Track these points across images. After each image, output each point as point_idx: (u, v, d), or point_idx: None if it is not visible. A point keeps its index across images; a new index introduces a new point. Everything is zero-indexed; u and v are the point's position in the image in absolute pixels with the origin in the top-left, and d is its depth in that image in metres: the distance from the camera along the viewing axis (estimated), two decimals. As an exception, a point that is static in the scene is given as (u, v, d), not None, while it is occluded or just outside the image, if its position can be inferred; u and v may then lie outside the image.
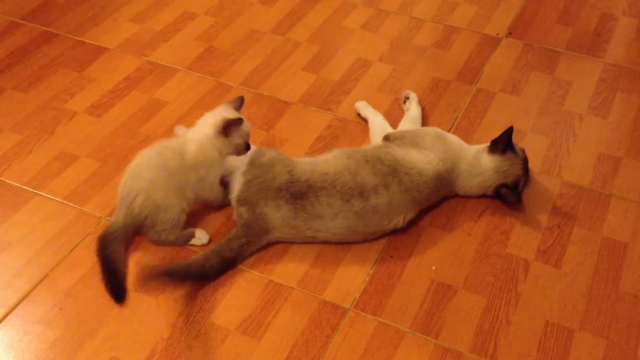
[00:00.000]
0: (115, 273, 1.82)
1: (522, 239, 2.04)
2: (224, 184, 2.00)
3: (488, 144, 2.10)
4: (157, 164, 1.91)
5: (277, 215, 1.93)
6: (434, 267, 1.96)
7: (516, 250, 2.01)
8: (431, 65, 2.68)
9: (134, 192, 1.88)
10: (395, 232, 2.02)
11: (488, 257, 1.99)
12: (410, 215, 2.01)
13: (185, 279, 1.88)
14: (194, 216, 2.02)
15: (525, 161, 2.11)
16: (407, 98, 2.44)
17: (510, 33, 2.86)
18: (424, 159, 2.02)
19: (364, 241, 2.00)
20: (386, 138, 2.16)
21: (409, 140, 2.10)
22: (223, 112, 1.99)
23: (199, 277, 1.89)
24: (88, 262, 1.92)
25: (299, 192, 1.93)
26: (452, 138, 2.15)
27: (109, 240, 1.87)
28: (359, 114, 2.41)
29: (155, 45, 2.74)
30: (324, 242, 1.98)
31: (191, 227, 1.99)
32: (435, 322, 1.83)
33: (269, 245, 1.98)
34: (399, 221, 1.98)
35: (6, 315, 1.82)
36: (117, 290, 1.80)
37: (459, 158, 2.07)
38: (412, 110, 2.37)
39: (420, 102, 2.43)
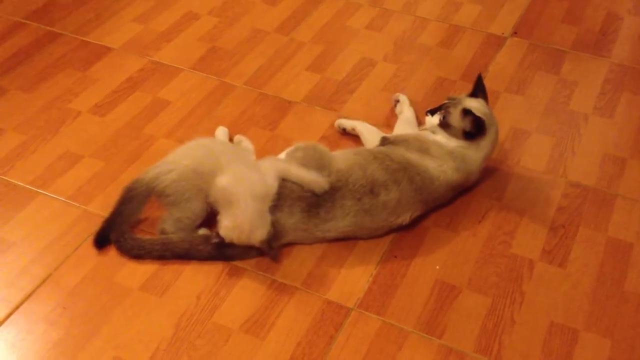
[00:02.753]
0: (114, 225, 1.93)
1: (527, 239, 2.03)
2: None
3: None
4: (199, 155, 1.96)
5: (289, 221, 1.91)
6: (438, 267, 1.95)
7: (521, 251, 2.00)
8: (435, 65, 2.67)
9: (172, 165, 1.93)
10: (399, 231, 2.02)
11: (492, 257, 1.98)
12: (417, 213, 2.00)
13: (170, 254, 1.92)
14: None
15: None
16: (397, 101, 2.42)
17: (515, 32, 2.85)
18: (437, 167, 2.00)
19: (370, 237, 1.99)
20: (385, 140, 2.13)
21: (416, 146, 2.05)
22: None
23: (186, 256, 1.92)
24: (92, 261, 1.92)
25: (317, 202, 1.91)
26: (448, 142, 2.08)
27: (130, 196, 1.93)
28: (344, 130, 2.33)
29: (159, 45, 2.74)
30: (332, 240, 1.98)
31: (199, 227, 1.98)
32: (439, 322, 1.82)
33: (273, 244, 1.97)
34: (405, 218, 1.98)
35: (10, 314, 1.82)
36: (102, 238, 1.94)
37: (468, 162, 2.05)
38: (405, 113, 2.35)
39: (421, 103, 2.43)
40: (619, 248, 2.01)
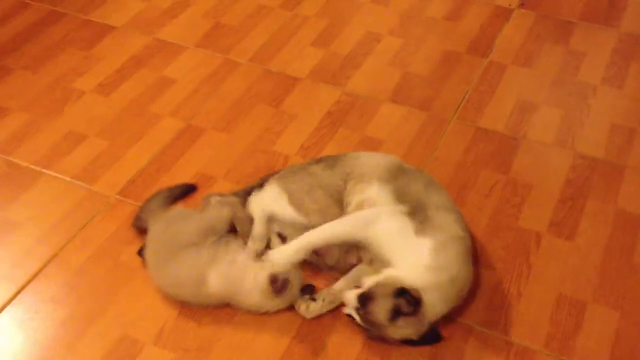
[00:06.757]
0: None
1: (534, 211, 2.01)
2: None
3: None
4: None
5: None
6: (444, 242, 1.94)
7: (528, 224, 1.98)
8: (442, 38, 2.64)
9: None
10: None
11: (499, 230, 1.97)
12: None
13: None
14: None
15: None
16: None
17: (522, 4, 2.81)
18: None
19: None
20: None
21: None
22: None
23: None
24: (97, 240, 1.93)
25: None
26: None
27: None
28: None
29: (163, 23, 2.72)
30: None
31: None
32: (445, 296, 1.81)
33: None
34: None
35: (17, 294, 1.82)
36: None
37: None
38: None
39: (428, 77, 2.40)
40: (627, 220, 1.99)
